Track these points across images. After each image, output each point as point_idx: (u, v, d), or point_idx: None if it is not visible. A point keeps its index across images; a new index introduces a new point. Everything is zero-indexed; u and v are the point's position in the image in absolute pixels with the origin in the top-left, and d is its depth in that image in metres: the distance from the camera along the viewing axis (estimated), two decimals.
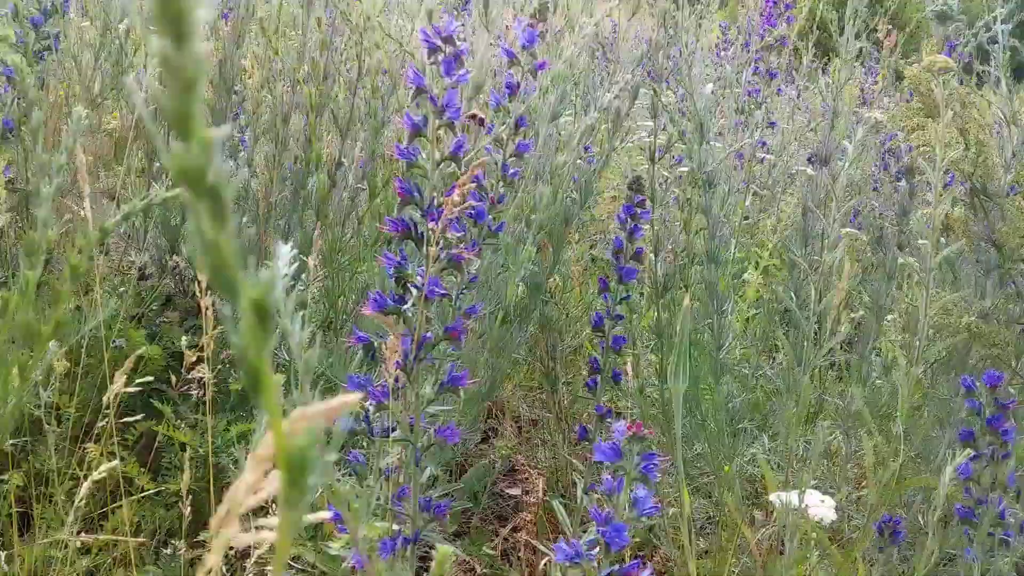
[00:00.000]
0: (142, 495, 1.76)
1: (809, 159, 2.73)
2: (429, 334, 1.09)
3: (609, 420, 1.69)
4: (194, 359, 1.39)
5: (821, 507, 1.31)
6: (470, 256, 1.05)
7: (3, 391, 0.71)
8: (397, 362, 1.07)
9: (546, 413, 2.34)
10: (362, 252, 1.73)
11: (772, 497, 1.32)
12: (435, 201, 1.08)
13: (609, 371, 1.67)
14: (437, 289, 1.05)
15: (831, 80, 2.16)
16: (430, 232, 1.06)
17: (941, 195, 1.46)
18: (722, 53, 3.04)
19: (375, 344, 1.16)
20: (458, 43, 1.05)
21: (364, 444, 1.18)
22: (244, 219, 2.26)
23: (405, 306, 1.08)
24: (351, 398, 0.34)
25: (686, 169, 2.17)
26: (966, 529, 1.38)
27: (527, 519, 2.01)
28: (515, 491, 2.28)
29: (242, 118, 2.24)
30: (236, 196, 2.25)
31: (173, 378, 1.90)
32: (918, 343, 1.50)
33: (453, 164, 1.09)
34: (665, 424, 1.77)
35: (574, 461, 1.85)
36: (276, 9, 2.24)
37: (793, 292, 2.09)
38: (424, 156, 1.08)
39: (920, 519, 1.75)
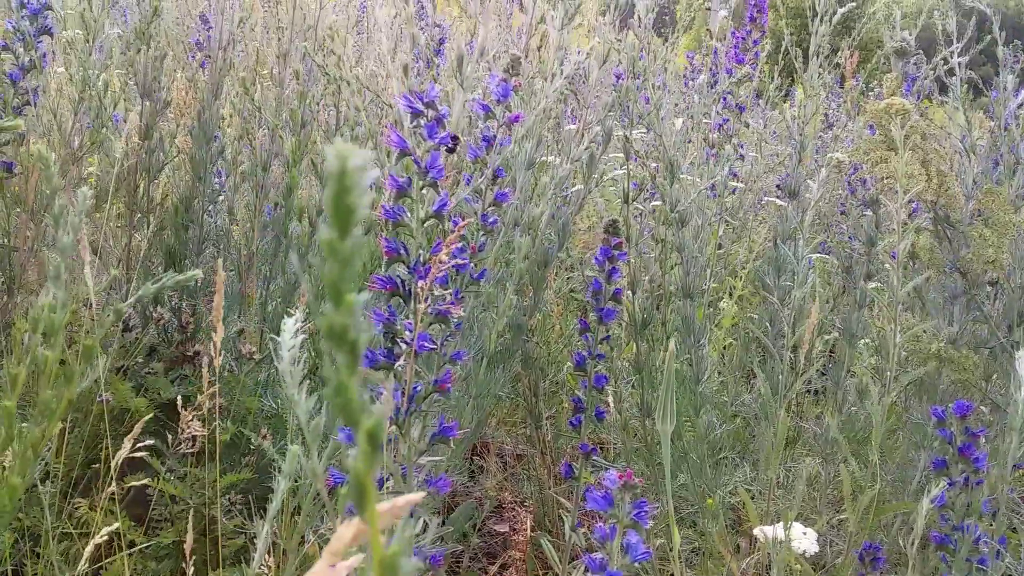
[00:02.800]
0: (135, 549, 1.77)
1: (778, 186, 2.80)
2: (419, 386, 1.12)
3: (595, 456, 1.72)
4: (190, 417, 1.41)
5: (803, 539, 1.35)
6: (456, 310, 1.08)
7: (22, 470, 0.73)
8: (389, 416, 1.10)
9: (530, 448, 2.37)
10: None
11: (756, 531, 1.36)
12: (421, 258, 1.11)
13: (592, 409, 1.71)
14: (427, 344, 1.09)
15: (796, 114, 2.23)
16: (419, 290, 1.09)
17: (906, 227, 1.51)
18: (690, 83, 3.10)
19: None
20: (439, 107, 1.09)
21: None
22: (225, 263, 2.29)
23: (396, 362, 1.11)
24: (416, 497, 0.37)
25: (659, 203, 2.22)
26: (943, 555, 1.42)
27: (516, 556, 2.04)
28: (503, 528, 2.30)
29: (220, 163, 2.27)
30: (216, 241, 2.27)
31: (166, 432, 1.92)
32: (889, 372, 1.55)
33: (436, 221, 1.12)
34: (649, 456, 1.80)
35: (560, 499, 1.88)
36: (252, 61, 2.28)
37: (767, 322, 2.14)
38: (409, 215, 1.12)
39: (900, 542, 1.79)
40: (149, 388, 1.97)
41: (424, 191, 1.12)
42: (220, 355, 1.12)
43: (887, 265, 2.21)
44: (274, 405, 1.84)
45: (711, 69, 2.57)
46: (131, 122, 2.12)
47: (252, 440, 1.82)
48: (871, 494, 1.60)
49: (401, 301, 1.12)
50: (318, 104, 1.97)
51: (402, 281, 1.10)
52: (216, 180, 2.27)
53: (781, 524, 1.34)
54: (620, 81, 3.29)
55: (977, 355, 1.94)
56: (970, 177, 2.02)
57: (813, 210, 1.62)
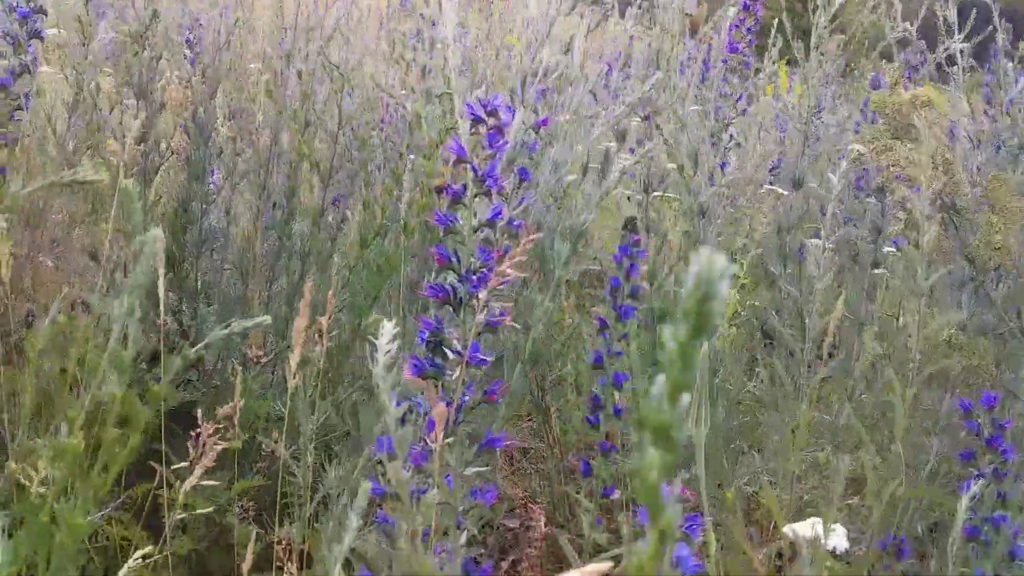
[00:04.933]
0: (149, 560, 1.74)
1: (771, 170, 2.80)
2: (467, 397, 1.10)
3: (616, 454, 1.72)
4: (210, 430, 1.38)
5: (833, 535, 1.36)
6: (506, 320, 1.07)
7: (84, 510, 0.71)
8: (429, 421, 1.08)
9: (538, 442, 2.36)
10: (359, 304, 1.73)
11: (786, 530, 1.36)
12: (473, 266, 1.09)
13: (610, 407, 1.70)
14: (479, 356, 1.07)
15: (796, 102, 2.23)
16: (476, 299, 1.08)
17: (929, 219, 1.52)
18: (685, 71, 3.08)
19: (405, 408, 1.17)
20: (501, 115, 1.07)
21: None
22: (223, 266, 2.25)
23: (444, 372, 1.09)
24: (604, 567, 0.36)
25: (664, 194, 2.22)
26: (973, 547, 1.44)
27: (532, 553, 2.03)
28: (513, 523, 2.29)
29: (217, 164, 2.22)
30: (214, 243, 2.23)
31: (172, 440, 1.88)
32: (912, 363, 1.56)
33: (488, 230, 1.11)
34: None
35: (577, 496, 1.87)
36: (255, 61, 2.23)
37: (775, 312, 2.15)
38: (462, 222, 1.10)
39: (919, 528, 1.81)
40: (155, 396, 1.92)
41: (477, 199, 1.10)
42: (295, 377, 1.09)
43: (892, 254, 2.22)
44: (282, 410, 1.81)
45: (704, 59, 2.56)
46: (126, 124, 2.06)
47: (264, 445, 1.79)
48: (892, 485, 1.61)
49: (451, 310, 1.10)
50: (323, 104, 1.94)
51: (454, 290, 1.09)
52: (210, 180, 2.23)
53: (812, 521, 1.34)
54: (612, 73, 3.27)
55: (986, 339, 1.96)
56: (974, 164, 2.04)
57: (835, 203, 1.62)
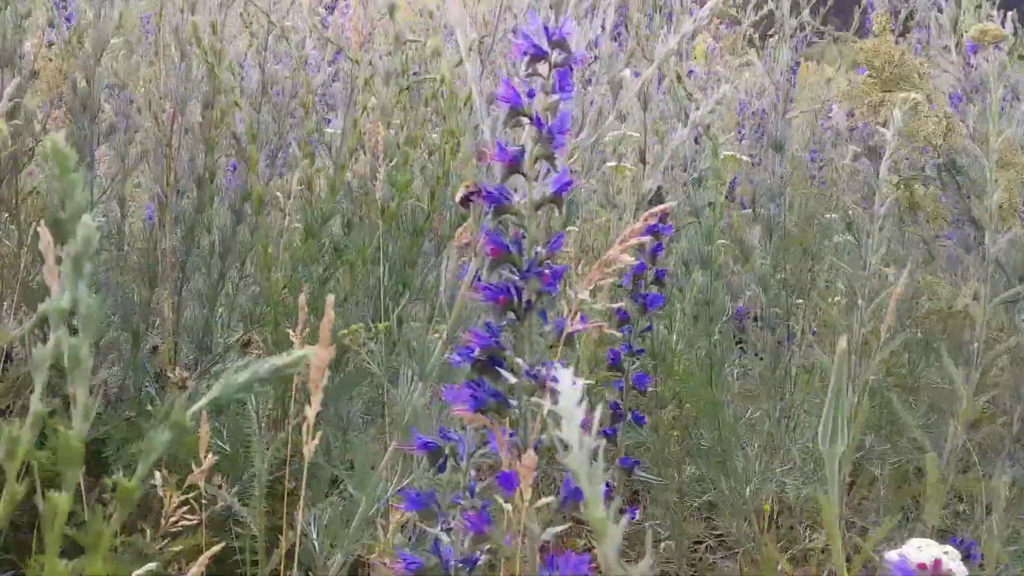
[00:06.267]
0: None
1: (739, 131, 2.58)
2: (543, 436, 0.81)
3: (640, 468, 1.46)
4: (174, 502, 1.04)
5: (946, 559, 1.13)
6: (603, 328, 0.78)
7: None
8: (503, 476, 0.79)
9: None
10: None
11: (889, 555, 1.13)
12: (538, 256, 0.80)
13: (629, 414, 1.44)
14: (561, 378, 0.78)
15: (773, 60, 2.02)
16: (540, 302, 0.79)
17: (995, 183, 1.30)
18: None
19: (445, 450, 0.87)
20: (571, 47, 0.77)
21: None
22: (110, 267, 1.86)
23: (510, 402, 0.80)
24: None
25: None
26: None
27: None
28: None
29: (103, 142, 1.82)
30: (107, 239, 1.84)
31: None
32: (976, 347, 1.36)
33: (555, 207, 0.81)
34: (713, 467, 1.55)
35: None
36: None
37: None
38: (518, 198, 0.80)
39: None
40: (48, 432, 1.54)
41: (537, 164, 0.80)
42: (312, 439, 0.76)
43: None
44: (225, 447, 1.46)
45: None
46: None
47: (204, 491, 1.44)
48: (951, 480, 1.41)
49: (514, 316, 0.80)
50: (241, 66, 1.59)
51: (517, 290, 0.79)
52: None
53: (918, 543, 1.11)
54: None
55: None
56: (971, 119, 1.86)
57: (888, 161, 1.40)
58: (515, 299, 0.79)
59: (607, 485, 1.08)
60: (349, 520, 1.04)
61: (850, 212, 2.10)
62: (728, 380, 1.64)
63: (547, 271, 0.78)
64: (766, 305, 2.02)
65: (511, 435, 0.80)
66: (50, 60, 1.73)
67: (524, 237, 0.80)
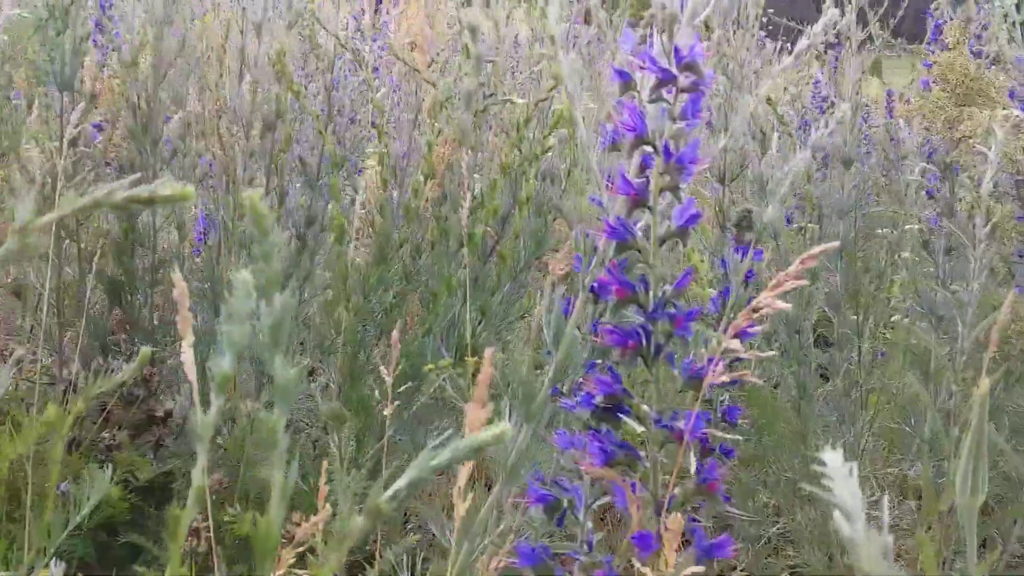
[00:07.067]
0: None
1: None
2: (677, 490, 0.76)
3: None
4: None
5: None
6: (745, 376, 0.73)
7: None
8: (639, 536, 0.74)
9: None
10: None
11: None
12: (664, 295, 0.75)
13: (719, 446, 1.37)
14: (706, 428, 0.73)
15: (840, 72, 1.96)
16: (670, 344, 0.73)
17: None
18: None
19: (564, 503, 0.82)
20: (703, 69, 0.72)
21: None
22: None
23: (641, 455, 0.75)
24: None
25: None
26: None
27: None
28: None
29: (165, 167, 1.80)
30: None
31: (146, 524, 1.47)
32: None
33: (680, 242, 0.76)
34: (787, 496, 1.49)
35: None
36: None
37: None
38: (642, 234, 0.75)
39: None
40: (118, 466, 1.51)
41: (661, 196, 0.75)
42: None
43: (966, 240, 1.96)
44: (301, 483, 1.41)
45: None
46: (53, 124, 1.63)
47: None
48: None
49: (641, 360, 0.75)
50: (305, 90, 1.55)
51: (647, 333, 0.74)
52: None
53: None
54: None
55: None
56: None
57: (989, 182, 1.33)
58: (643, 343, 0.74)
59: (693, 519, 1.03)
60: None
61: (920, 228, 2.04)
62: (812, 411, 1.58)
63: (680, 314, 0.73)
64: (837, 326, 1.96)
65: (641, 488, 0.75)
66: (111, 80, 1.70)
67: (649, 276, 0.75)
